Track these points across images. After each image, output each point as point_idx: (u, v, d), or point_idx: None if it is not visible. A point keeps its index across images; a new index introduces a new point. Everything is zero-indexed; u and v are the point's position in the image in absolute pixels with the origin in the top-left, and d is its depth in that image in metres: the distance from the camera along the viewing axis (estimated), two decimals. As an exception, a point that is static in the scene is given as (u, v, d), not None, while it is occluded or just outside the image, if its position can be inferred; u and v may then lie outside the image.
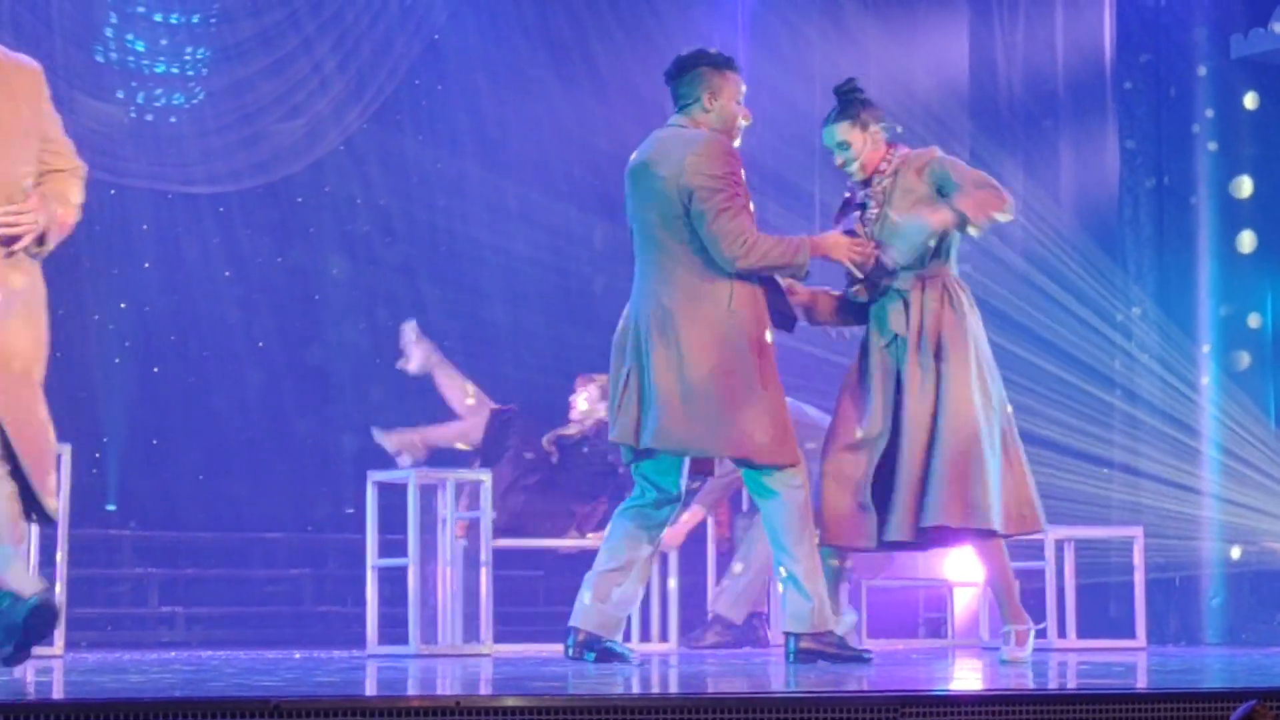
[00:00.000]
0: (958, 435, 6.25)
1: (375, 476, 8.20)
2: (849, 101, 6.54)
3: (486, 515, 8.13)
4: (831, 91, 6.71)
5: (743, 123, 6.23)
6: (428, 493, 8.11)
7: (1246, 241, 10.54)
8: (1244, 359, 10.49)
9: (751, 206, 6.10)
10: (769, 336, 6.08)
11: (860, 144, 6.48)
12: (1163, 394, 10.68)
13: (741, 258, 5.97)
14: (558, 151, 11.84)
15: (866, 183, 6.51)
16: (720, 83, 6.19)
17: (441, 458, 9.14)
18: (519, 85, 11.74)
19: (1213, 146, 10.63)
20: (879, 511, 6.32)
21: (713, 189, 5.99)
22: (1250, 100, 10.62)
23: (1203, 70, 10.65)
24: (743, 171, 6.11)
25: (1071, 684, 4.45)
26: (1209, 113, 10.65)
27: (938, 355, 6.32)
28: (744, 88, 6.28)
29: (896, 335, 6.36)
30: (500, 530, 8.55)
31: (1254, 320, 10.48)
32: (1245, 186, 10.58)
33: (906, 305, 6.36)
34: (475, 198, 11.78)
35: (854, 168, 6.50)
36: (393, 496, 8.23)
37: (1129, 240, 11.16)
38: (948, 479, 6.22)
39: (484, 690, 3.84)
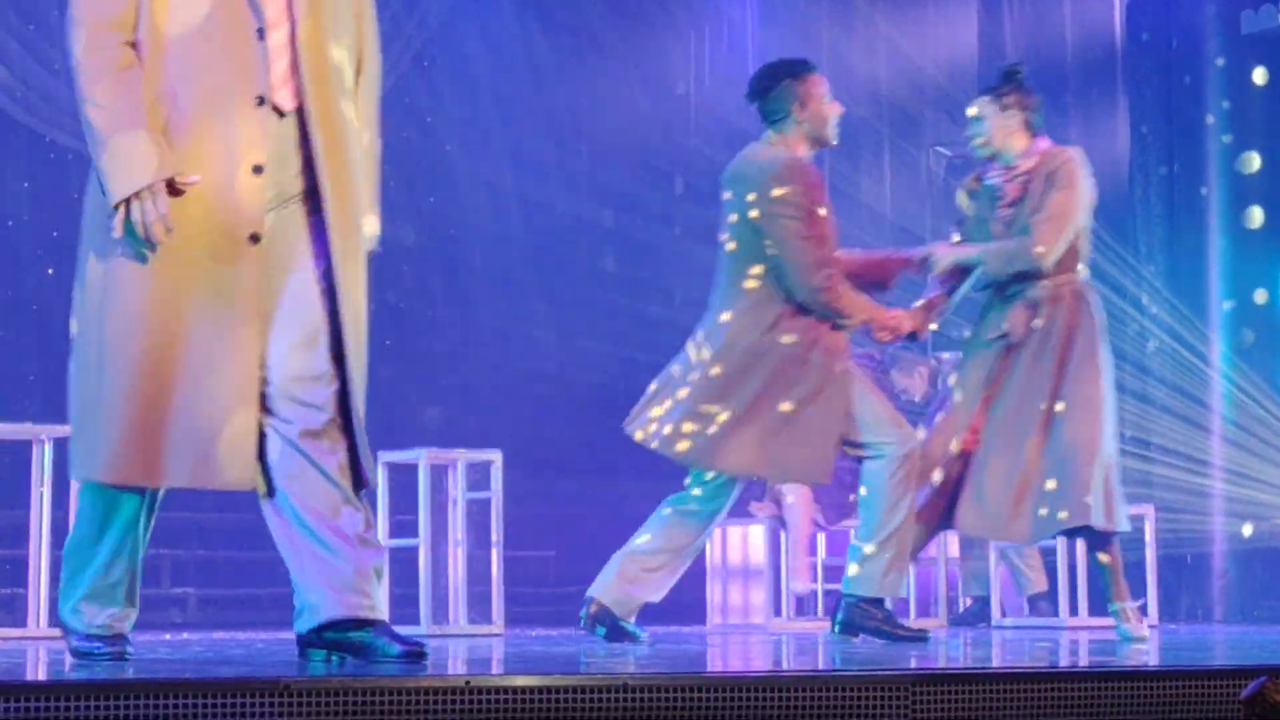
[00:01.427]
0: (1082, 432, 6.31)
1: (385, 457, 8.19)
2: (1002, 79, 6.58)
3: (496, 496, 8.12)
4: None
5: (834, 119, 6.21)
6: (438, 473, 8.11)
7: (1255, 217, 10.52)
8: (1249, 336, 10.47)
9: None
10: (820, 360, 6.01)
11: (993, 122, 6.48)
12: (1173, 371, 10.67)
13: (820, 289, 5.97)
14: (567, 134, 11.82)
15: (1010, 169, 6.49)
16: (805, 91, 6.17)
17: (452, 438, 9.13)
18: (527, 69, 11.72)
19: (1227, 139, 10.61)
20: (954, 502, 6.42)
21: (793, 216, 5.99)
22: (1259, 76, 10.59)
23: (1220, 61, 10.62)
24: (825, 200, 6.09)
25: (1083, 661, 4.44)
26: (1225, 104, 10.62)
27: (1064, 358, 6.36)
28: (827, 85, 6.25)
29: (1006, 335, 6.39)
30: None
31: (1261, 296, 10.46)
32: (1254, 162, 10.55)
33: (1035, 307, 6.39)
34: (484, 182, 11.77)
35: (977, 143, 6.53)
36: (403, 477, 8.22)
37: (1139, 219, 11.14)
38: (1070, 477, 6.29)
39: (494, 669, 3.83)
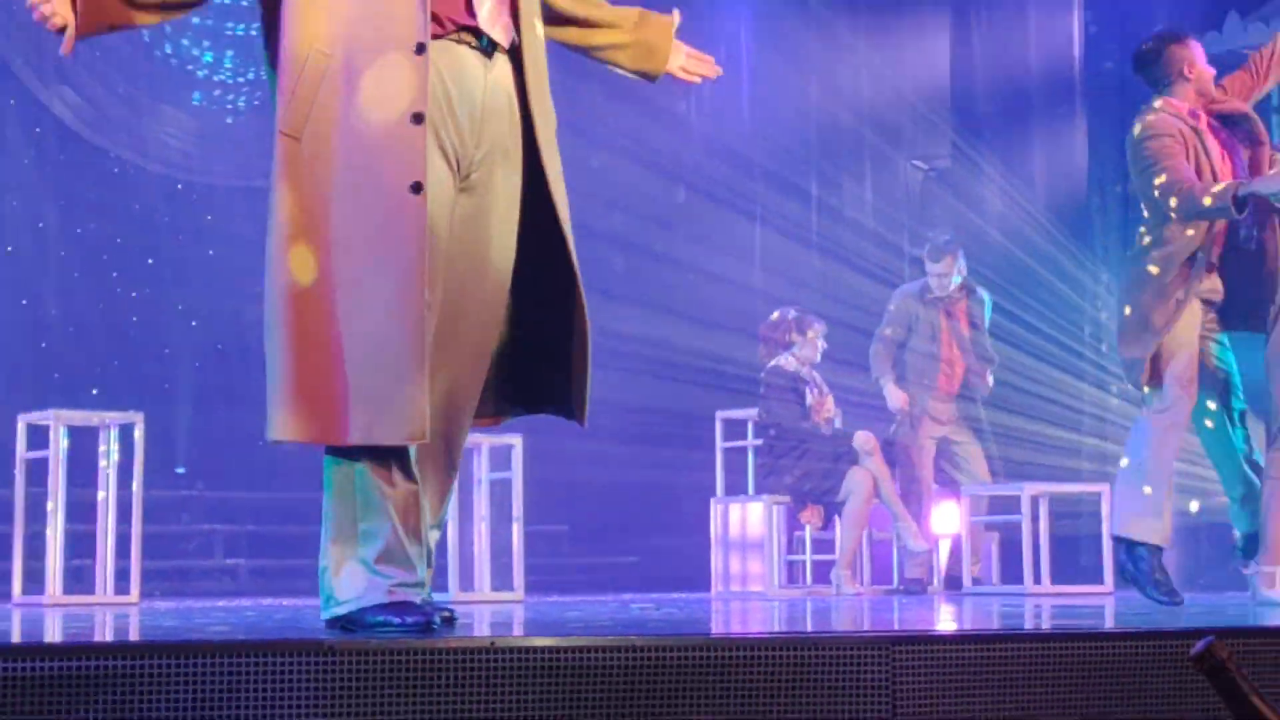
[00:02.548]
0: None
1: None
2: None
3: (517, 476, 8.12)
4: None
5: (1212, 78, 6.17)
6: (465, 455, 8.09)
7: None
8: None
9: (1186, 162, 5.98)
10: (1178, 292, 6.01)
11: None
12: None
13: (1177, 206, 5.92)
14: (572, 142, 11.80)
15: None
16: (1190, 54, 6.14)
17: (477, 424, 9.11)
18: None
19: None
20: None
21: (1151, 156, 5.96)
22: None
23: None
24: (1181, 127, 6.00)
25: (1046, 624, 4.43)
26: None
27: None
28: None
29: None
30: None
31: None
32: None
33: None
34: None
35: None
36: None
37: (1097, 227, 11.17)
38: None
39: (516, 631, 3.83)
